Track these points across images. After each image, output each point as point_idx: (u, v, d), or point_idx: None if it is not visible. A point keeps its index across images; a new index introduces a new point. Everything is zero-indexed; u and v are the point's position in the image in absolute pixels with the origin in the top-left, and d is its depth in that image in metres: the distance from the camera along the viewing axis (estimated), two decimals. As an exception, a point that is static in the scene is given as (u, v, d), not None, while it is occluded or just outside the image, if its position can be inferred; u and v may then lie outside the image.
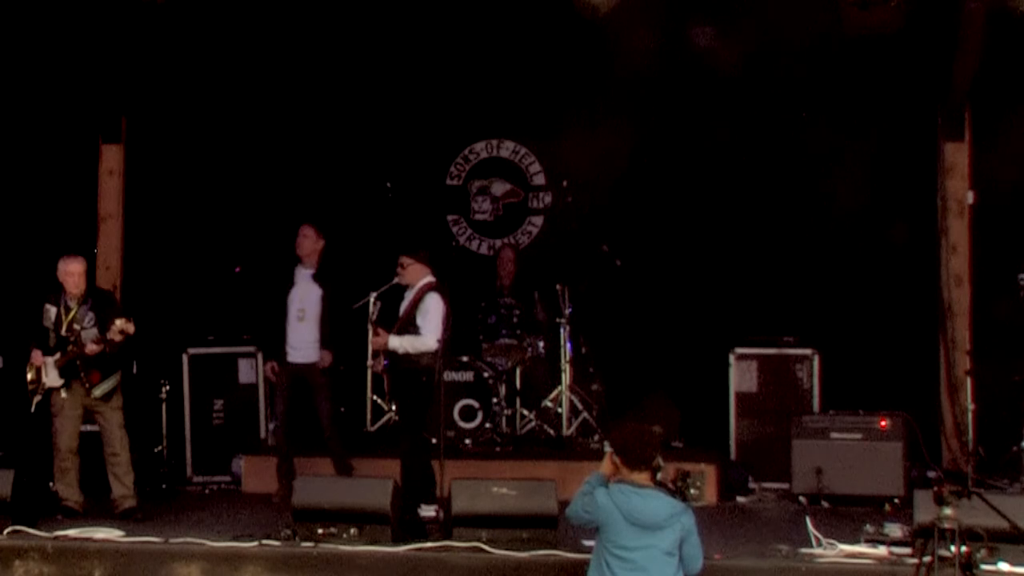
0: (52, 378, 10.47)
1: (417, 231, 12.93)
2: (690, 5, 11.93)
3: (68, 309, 10.49)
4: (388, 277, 11.12)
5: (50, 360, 10.46)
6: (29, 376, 10.54)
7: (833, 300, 12.28)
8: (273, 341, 11.46)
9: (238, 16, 12.21)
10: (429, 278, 10.59)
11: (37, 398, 10.51)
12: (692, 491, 7.53)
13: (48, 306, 10.52)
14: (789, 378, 11.76)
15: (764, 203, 12.57)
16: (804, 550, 8.78)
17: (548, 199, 13.58)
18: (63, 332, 10.45)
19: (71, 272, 10.49)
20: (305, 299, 11.36)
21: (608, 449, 7.49)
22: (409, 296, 10.64)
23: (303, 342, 11.31)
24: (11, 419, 12.17)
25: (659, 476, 7.44)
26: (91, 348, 10.33)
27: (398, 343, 10.41)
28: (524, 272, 12.88)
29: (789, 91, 12.31)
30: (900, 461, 10.89)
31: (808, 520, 9.00)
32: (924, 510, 8.00)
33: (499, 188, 13.69)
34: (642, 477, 7.37)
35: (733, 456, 11.74)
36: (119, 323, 10.17)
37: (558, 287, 12.39)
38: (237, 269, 12.83)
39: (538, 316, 12.61)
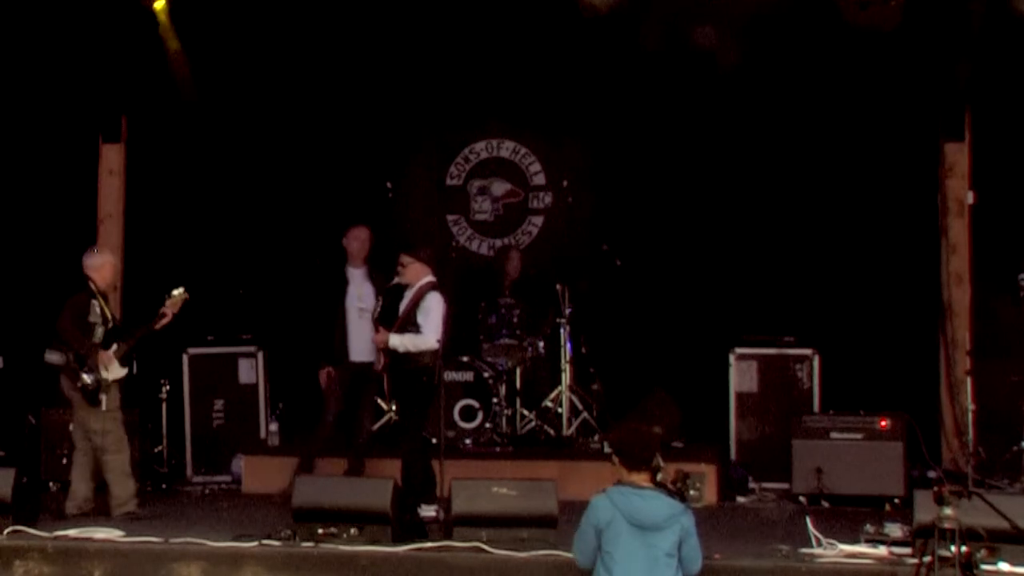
0: (115, 370, 10.33)
1: (417, 231, 12.94)
2: (690, 5, 11.93)
3: (104, 300, 10.46)
4: (389, 277, 11.12)
5: (107, 353, 10.32)
6: (88, 379, 10.25)
7: (833, 300, 12.28)
8: (331, 344, 11.36)
9: (239, 16, 12.21)
10: (429, 277, 10.60)
11: (103, 396, 10.32)
12: (692, 492, 7.52)
13: (92, 301, 10.38)
14: (789, 378, 11.77)
15: (764, 203, 12.56)
16: (804, 550, 8.78)
17: (548, 199, 13.57)
18: (111, 324, 10.39)
19: (113, 263, 10.58)
20: (363, 297, 11.35)
21: (615, 458, 7.50)
22: (409, 295, 10.64)
23: (364, 340, 11.27)
24: (11, 419, 12.20)
25: (659, 477, 7.44)
26: (161, 324, 10.42)
27: (399, 341, 10.42)
28: (524, 272, 12.89)
29: (789, 90, 12.30)
30: (900, 461, 10.89)
31: (808, 520, 9.00)
32: (924, 510, 7.99)
33: (499, 188, 13.68)
34: (641, 478, 7.37)
35: (733, 456, 11.74)
36: (177, 293, 10.33)
37: (558, 287, 12.39)
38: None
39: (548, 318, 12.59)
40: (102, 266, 10.53)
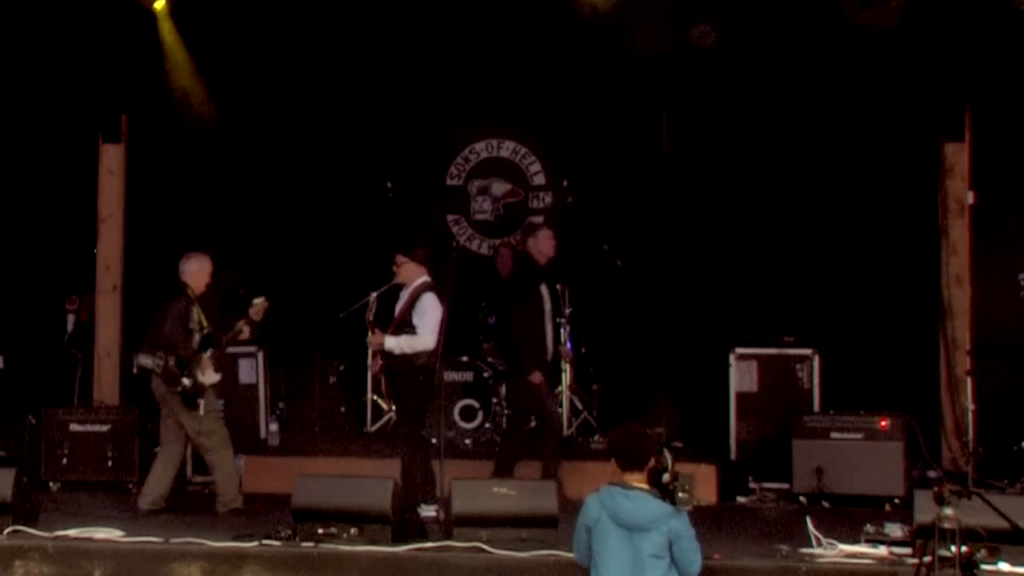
0: (210, 375, 10.46)
1: (417, 231, 12.93)
2: (690, 4, 11.94)
3: (200, 306, 10.52)
4: (388, 277, 11.11)
5: (206, 358, 10.43)
6: (188, 383, 10.35)
7: (833, 300, 12.29)
8: (541, 351, 11.12)
9: (239, 17, 12.21)
10: (425, 278, 10.56)
11: (201, 400, 10.45)
12: (680, 494, 7.47)
13: (192, 308, 10.46)
14: (789, 378, 11.76)
15: (764, 202, 12.57)
16: (804, 550, 8.78)
17: (548, 199, 13.59)
18: (205, 330, 10.45)
19: (208, 268, 10.60)
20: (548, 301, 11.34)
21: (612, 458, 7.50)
22: (404, 296, 10.61)
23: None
24: (11, 419, 12.20)
25: (665, 478, 7.41)
26: (247, 333, 10.56)
27: (394, 343, 10.38)
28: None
29: (790, 90, 12.31)
30: (900, 461, 10.89)
31: (808, 520, 9.00)
32: (924, 510, 7.99)
33: (499, 188, 13.69)
34: (634, 478, 7.35)
35: (733, 456, 11.74)
36: (259, 301, 10.41)
37: (558, 287, 12.38)
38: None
39: None
40: (197, 271, 10.57)
